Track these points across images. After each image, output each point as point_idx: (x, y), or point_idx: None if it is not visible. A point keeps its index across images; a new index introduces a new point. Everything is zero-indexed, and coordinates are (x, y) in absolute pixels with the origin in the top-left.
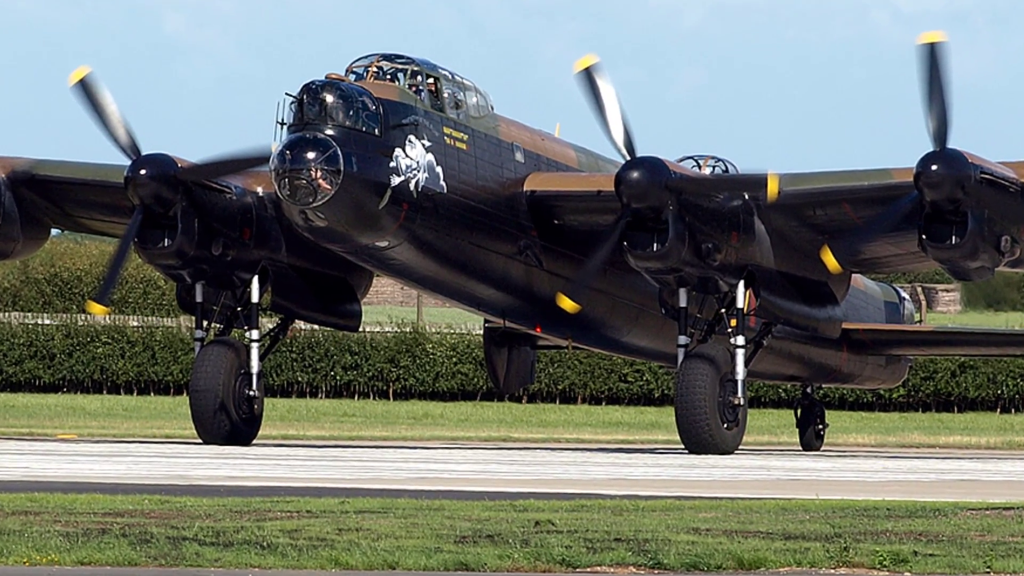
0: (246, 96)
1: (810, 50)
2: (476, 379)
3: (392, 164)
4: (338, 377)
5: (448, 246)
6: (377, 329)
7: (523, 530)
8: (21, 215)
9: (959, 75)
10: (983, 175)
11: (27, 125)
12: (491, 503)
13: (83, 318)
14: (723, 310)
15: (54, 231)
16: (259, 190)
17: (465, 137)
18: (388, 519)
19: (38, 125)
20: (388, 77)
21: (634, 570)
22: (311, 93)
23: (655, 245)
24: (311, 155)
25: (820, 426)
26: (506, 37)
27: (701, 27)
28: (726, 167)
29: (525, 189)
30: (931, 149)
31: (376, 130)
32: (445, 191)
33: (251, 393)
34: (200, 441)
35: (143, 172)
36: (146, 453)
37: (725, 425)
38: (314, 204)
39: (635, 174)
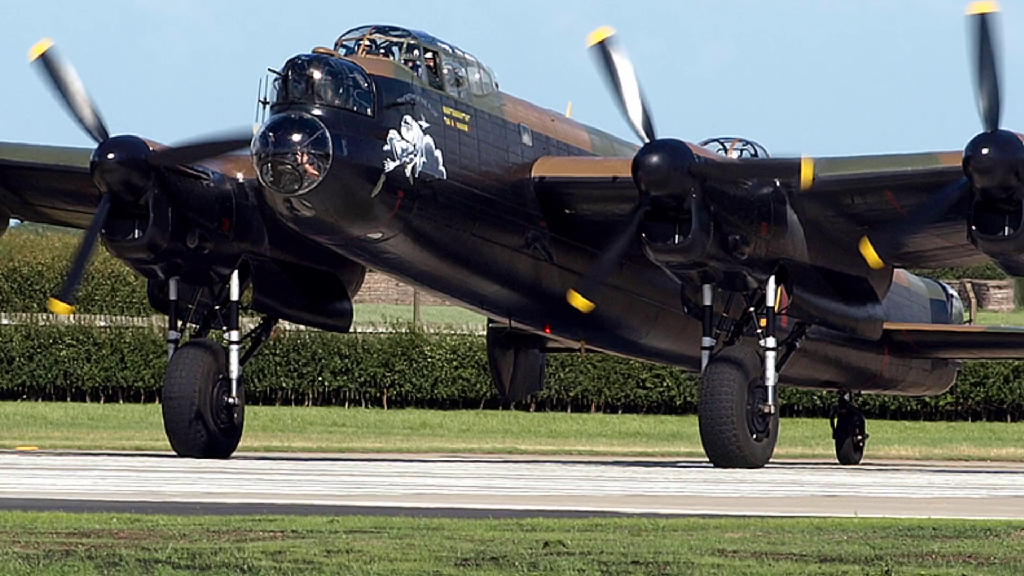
0: (225, 73)
1: (848, 21)
2: (479, 385)
3: (386, 147)
4: (327, 383)
5: (448, 238)
6: (370, 330)
7: (531, 552)
8: None
9: (1013, 49)
10: None
11: None
12: (496, 522)
13: (45, 318)
14: (752, 309)
15: (13, 221)
16: (239, 176)
17: (467, 118)
18: (382, 540)
19: None
20: (382, 51)
21: None
22: (297, 69)
23: (677, 237)
24: (297, 137)
25: (859, 437)
26: (512, 7)
27: None
28: (755, 151)
29: (533, 175)
30: (982, 131)
31: (368, 110)
32: (445, 177)
33: (230, 400)
34: (174, 453)
35: (111, 156)
36: (114, 467)
37: (754, 436)
38: (300, 191)
39: (655, 158)
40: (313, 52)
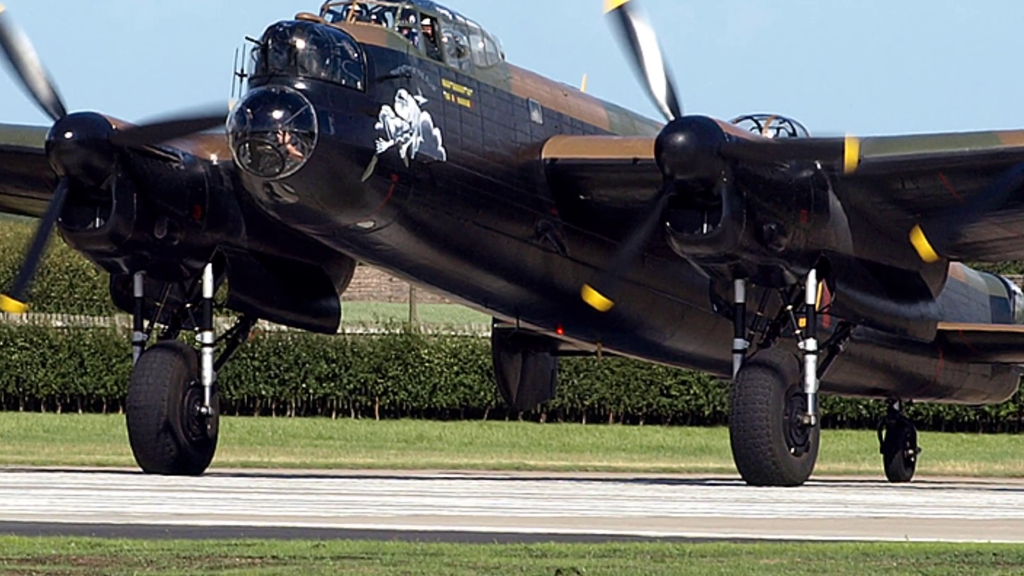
0: (197, 42)
1: None
2: (482, 393)
3: (378, 126)
4: (311, 390)
5: (448, 227)
6: (360, 331)
7: None
8: None
9: None
10: None
11: None
12: (501, 547)
13: None
14: (790, 307)
15: None
16: (213, 158)
17: (469, 92)
18: (373, 567)
19: None
20: (373, 18)
21: None
22: (278, 37)
23: (705, 226)
24: (278, 114)
25: (910, 451)
26: None
27: None
28: (793, 129)
29: (544, 156)
30: None
31: (358, 83)
32: (444, 159)
33: (203, 410)
34: (139, 470)
35: (69, 135)
36: (73, 484)
37: (792, 450)
38: (281, 175)
39: (680, 138)
40: (296, 18)
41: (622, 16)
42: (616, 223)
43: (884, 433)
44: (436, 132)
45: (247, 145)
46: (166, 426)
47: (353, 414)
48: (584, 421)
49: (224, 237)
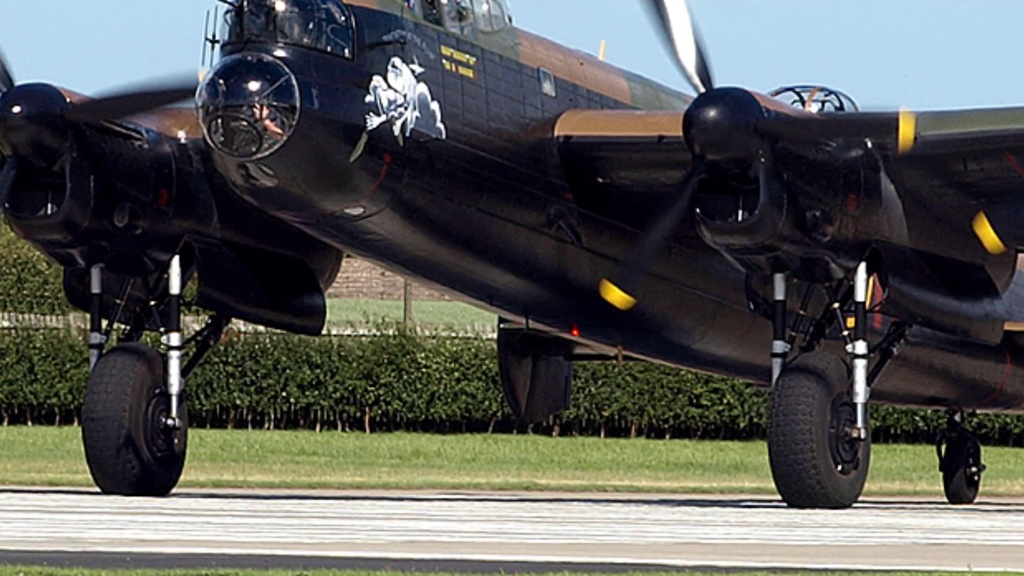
0: (163, 3)
1: None
2: (487, 402)
3: (369, 99)
4: (293, 400)
5: (448, 214)
6: (348, 332)
7: None
8: None
9: None
10: None
11: None
12: None
13: None
14: (836, 305)
15: None
16: (181, 135)
17: (472, 61)
18: None
19: None
20: None
21: None
22: None
23: (740, 213)
24: (254, 86)
25: (974, 469)
26: None
27: None
28: (840, 103)
29: (556, 134)
30: None
31: (346, 51)
32: (443, 136)
33: (170, 422)
34: (97, 489)
35: (17, 110)
36: (21, 506)
37: (839, 467)
38: (259, 155)
39: (712, 113)
40: None
41: None
42: (639, 209)
43: (944, 448)
44: (434, 106)
45: (219, 121)
46: (127, 440)
47: (340, 426)
48: (602, 434)
49: (193, 225)
